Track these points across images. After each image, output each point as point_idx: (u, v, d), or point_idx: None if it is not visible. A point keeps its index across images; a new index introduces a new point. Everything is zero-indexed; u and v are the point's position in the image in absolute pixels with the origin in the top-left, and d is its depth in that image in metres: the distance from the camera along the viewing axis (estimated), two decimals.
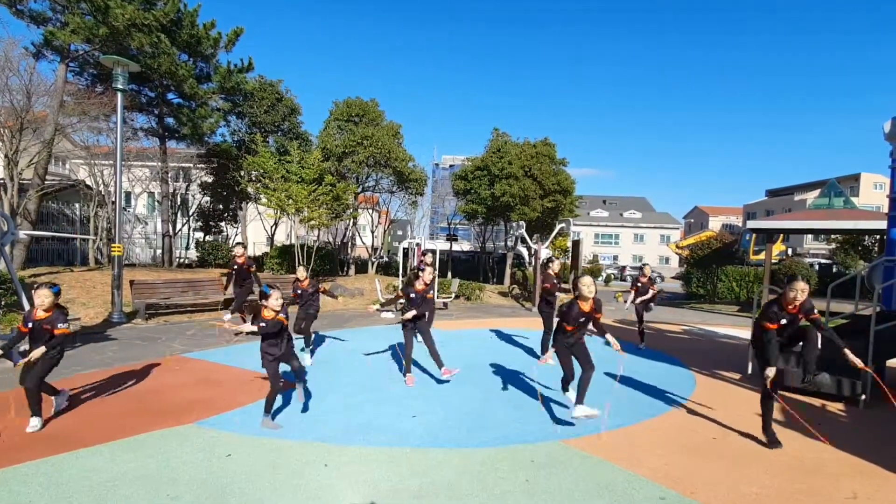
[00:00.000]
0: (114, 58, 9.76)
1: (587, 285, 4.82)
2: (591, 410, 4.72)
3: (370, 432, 4.66)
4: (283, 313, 4.91)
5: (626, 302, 9.30)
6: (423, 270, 6.58)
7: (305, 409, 5.22)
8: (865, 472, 4.13)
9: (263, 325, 4.73)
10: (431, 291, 6.51)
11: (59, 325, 4.62)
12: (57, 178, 21.94)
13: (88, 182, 20.50)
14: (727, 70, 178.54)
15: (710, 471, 4.07)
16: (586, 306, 4.85)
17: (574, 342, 4.96)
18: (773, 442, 4.62)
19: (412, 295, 6.29)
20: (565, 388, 5.31)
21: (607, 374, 6.74)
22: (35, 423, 4.53)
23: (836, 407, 5.88)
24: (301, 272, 7.79)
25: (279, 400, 5.17)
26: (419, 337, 6.45)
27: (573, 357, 5.01)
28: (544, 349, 7.88)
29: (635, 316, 9.28)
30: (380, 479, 3.75)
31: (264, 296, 4.90)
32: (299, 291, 7.50)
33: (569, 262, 23.64)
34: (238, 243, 9.80)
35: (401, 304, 7.06)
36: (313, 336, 7.87)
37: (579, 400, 4.80)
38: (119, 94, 10.00)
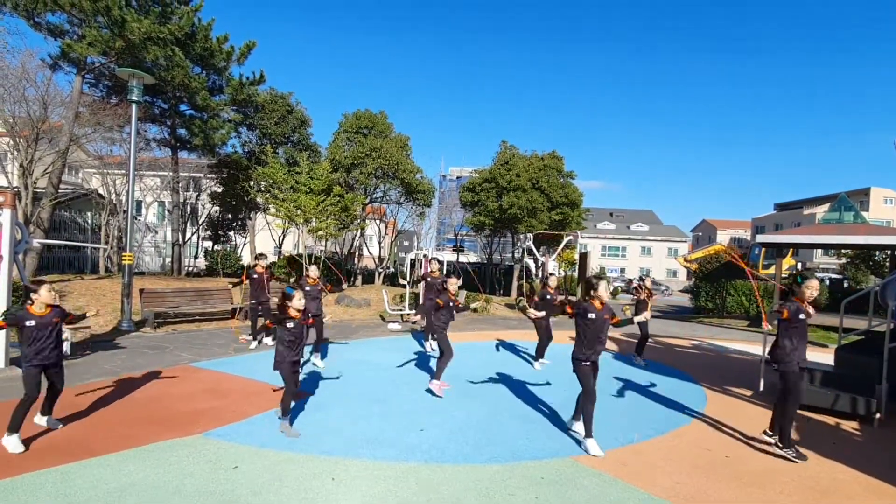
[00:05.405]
0: (130, 70, 9.94)
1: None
2: (598, 451, 4.61)
3: (377, 446, 4.63)
4: (305, 316, 5.03)
5: (633, 316, 9.26)
6: (446, 282, 6.73)
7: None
8: (880, 493, 4.04)
9: (291, 325, 4.91)
10: (459, 299, 7.02)
11: None
12: (70, 188, 22.31)
13: (101, 191, 20.81)
14: (735, 83, 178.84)
15: (723, 490, 4.00)
16: (598, 304, 4.84)
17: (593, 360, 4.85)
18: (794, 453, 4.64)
19: (450, 304, 6.60)
20: (578, 415, 5.03)
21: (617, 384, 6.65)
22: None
23: (850, 426, 5.77)
24: (313, 271, 7.99)
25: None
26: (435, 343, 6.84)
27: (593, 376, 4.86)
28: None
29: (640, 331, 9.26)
30: (387, 494, 3.72)
31: (287, 297, 4.97)
32: (308, 288, 7.50)
33: (574, 274, 23.55)
34: (260, 254, 9.92)
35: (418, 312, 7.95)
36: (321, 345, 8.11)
37: (587, 433, 4.74)
38: (133, 106, 10.16)
